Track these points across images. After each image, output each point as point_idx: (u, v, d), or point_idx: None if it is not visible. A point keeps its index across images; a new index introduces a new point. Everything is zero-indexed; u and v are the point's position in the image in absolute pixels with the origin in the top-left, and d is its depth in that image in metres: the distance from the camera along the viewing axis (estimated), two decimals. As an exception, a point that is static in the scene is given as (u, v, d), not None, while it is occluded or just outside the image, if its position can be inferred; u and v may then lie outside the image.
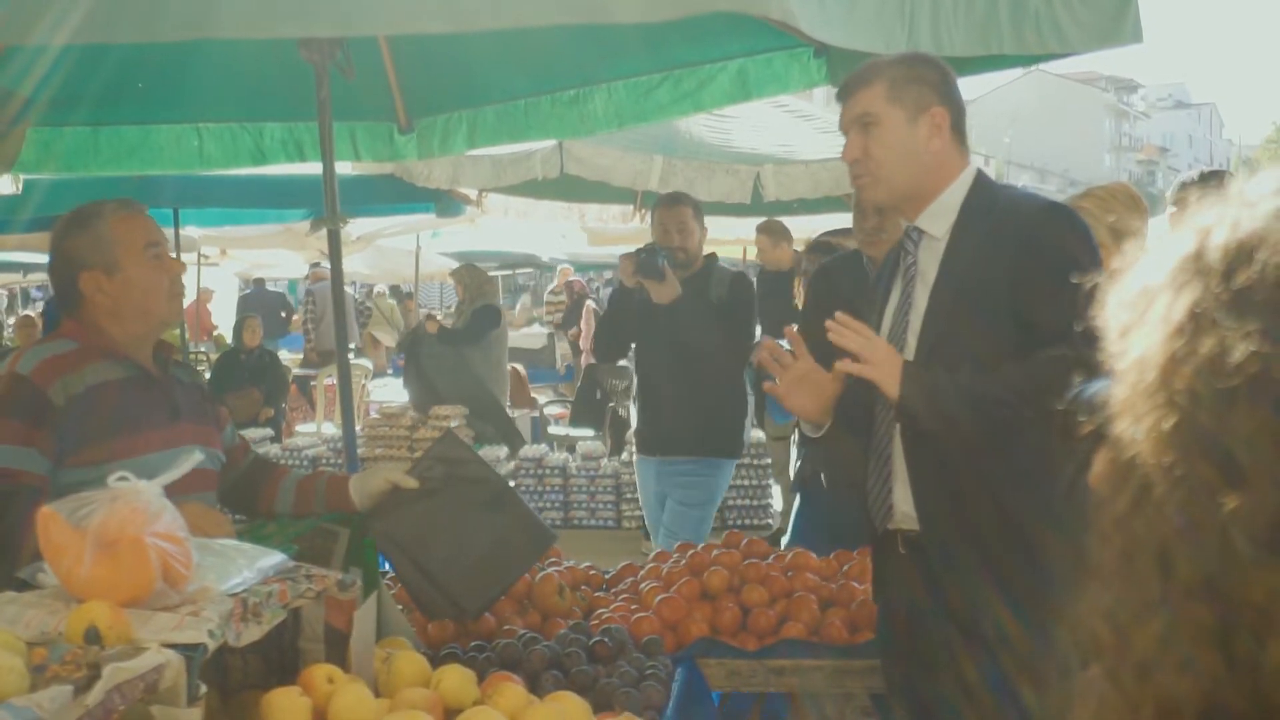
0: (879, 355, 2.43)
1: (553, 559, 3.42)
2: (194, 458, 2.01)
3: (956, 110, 2.62)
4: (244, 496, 2.81)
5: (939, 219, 2.59)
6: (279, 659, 2.10)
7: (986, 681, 2.49)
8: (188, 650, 1.62)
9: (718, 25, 3.82)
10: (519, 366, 11.32)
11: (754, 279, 5.97)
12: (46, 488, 2.35)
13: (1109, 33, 3.32)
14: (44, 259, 12.37)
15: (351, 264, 15.51)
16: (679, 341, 4.69)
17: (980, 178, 2.64)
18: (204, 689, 1.63)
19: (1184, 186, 4.13)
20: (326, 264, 14.95)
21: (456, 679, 2.13)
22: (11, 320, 24.17)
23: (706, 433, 4.83)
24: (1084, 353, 2.34)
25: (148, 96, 4.84)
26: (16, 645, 1.52)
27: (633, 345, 5.24)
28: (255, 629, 1.84)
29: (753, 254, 9.72)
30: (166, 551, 1.72)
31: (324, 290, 14.27)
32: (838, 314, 2.49)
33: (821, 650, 2.93)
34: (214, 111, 5.08)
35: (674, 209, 4.90)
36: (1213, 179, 4.13)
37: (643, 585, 3.23)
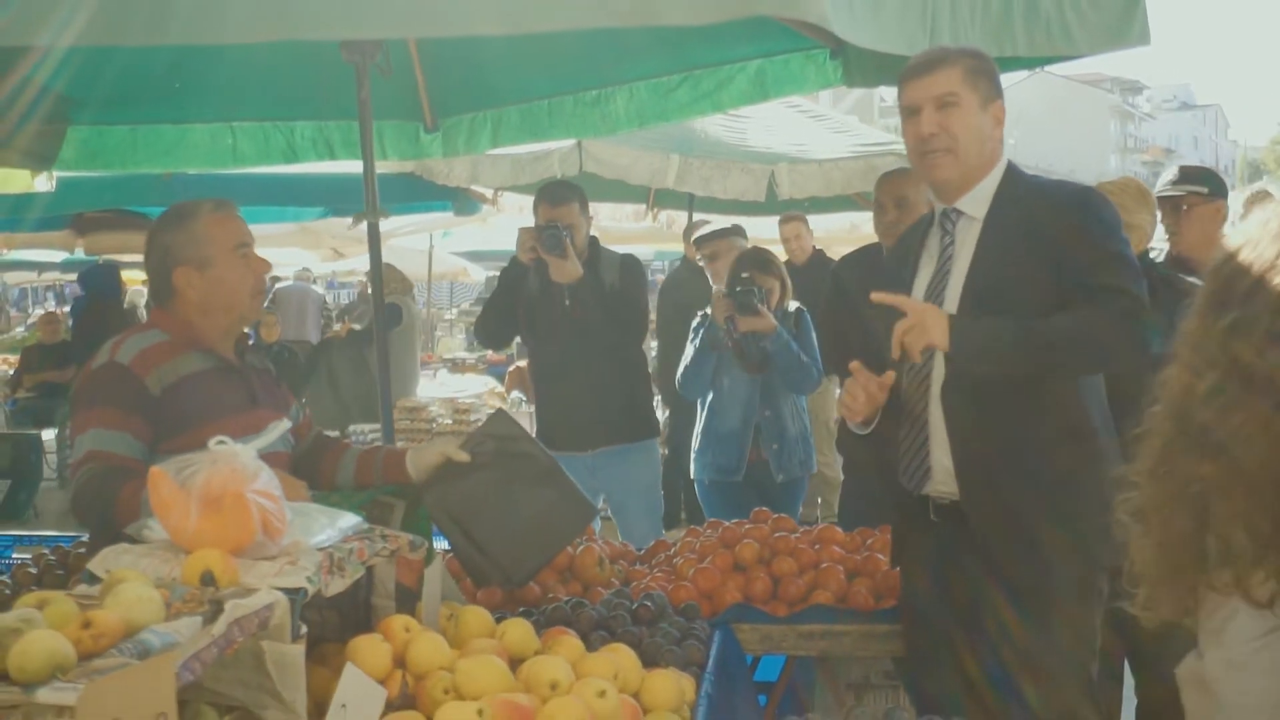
0: (928, 319, 2.58)
1: (585, 536, 3.58)
2: (284, 424, 2.20)
3: (1004, 107, 2.82)
4: (307, 469, 2.97)
5: (979, 202, 2.79)
6: (353, 614, 2.27)
7: (1015, 619, 2.67)
8: (290, 594, 1.79)
9: (736, 27, 3.93)
10: (534, 363, 11.48)
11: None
12: (139, 469, 2.51)
13: (1117, 35, 3.46)
14: (57, 257, 12.36)
15: (364, 263, 15.66)
16: (579, 326, 4.55)
17: (1012, 166, 2.85)
18: (304, 628, 1.80)
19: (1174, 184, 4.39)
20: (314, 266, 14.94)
21: (519, 631, 2.31)
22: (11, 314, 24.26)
23: (631, 415, 4.77)
24: (1131, 303, 2.62)
25: (184, 96, 4.97)
26: (149, 583, 1.70)
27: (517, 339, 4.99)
28: (340, 582, 2.01)
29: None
30: (265, 507, 1.90)
31: (283, 290, 14.43)
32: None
33: (848, 616, 3.10)
34: (247, 111, 5.22)
35: (559, 207, 4.63)
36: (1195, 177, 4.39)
37: (676, 559, 3.41)
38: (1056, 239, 2.65)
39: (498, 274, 5.38)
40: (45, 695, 1.37)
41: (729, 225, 6.03)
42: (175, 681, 1.40)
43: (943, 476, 2.78)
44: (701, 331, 4.91)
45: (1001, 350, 2.59)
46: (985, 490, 2.72)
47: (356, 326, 9.95)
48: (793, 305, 5.00)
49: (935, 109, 2.74)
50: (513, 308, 4.80)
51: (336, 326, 9.65)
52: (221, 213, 2.82)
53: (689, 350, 4.95)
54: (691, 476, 5.11)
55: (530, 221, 4.82)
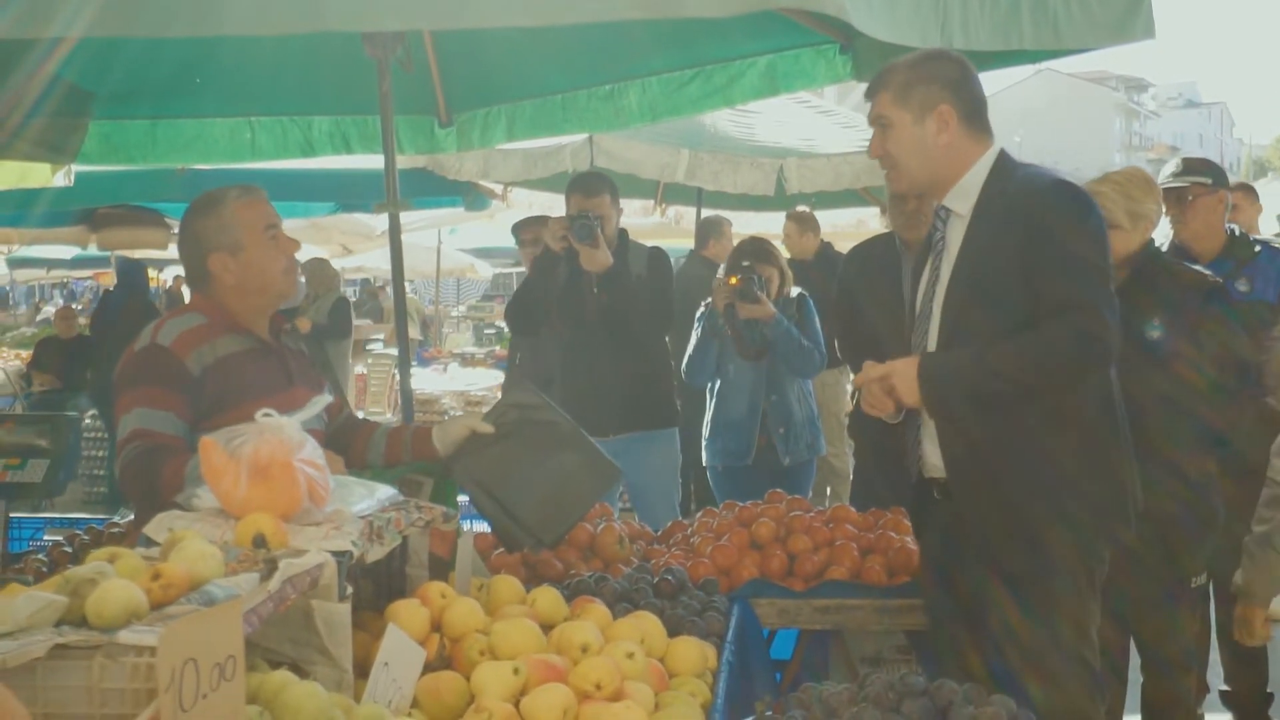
0: (900, 381, 2.72)
1: (603, 515, 3.66)
2: (324, 399, 2.29)
3: (968, 102, 2.83)
4: (339, 448, 3.05)
5: (963, 198, 2.83)
6: (388, 583, 2.37)
7: (1017, 615, 2.76)
8: (337, 556, 1.88)
9: (747, 22, 4.00)
10: (542, 357, 11.59)
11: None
12: (181, 446, 2.61)
13: (1121, 29, 3.52)
14: (68, 253, 12.33)
15: (373, 259, 15.79)
16: (608, 314, 4.67)
17: (1002, 159, 2.85)
18: (350, 589, 1.89)
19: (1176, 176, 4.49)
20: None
21: (550, 599, 2.40)
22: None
23: (653, 404, 4.88)
24: (1090, 320, 2.74)
25: (203, 91, 5.04)
26: (207, 541, 1.79)
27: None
28: (379, 549, 2.10)
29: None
30: (311, 476, 1.99)
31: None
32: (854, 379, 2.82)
33: (863, 591, 3.20)
34: (265, 106, 5.29)
35: (592, 198, 4.73)
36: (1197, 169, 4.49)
37: (694, 538, 3.50)
38: (1029, 235, 2.68)
39: (505, 271, 5.42)
40: (127, 637, 1.46)
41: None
42: (242, 626, 1.49)
43: (931, 462, 2.87)
44: (705, 320, 5.03)
45: (963, 388, 2.71)
46: (971, 477, 2.79)
47: (320, 322, 9.89)
48: (794, 291, 5.13)
49: (878, 132, 2.88)
50: (543, 295, 4.91)
51: (288, 326, 9.57)
52: (249, 197, 2.91)
53: (693, 338, 5.07)
54: (703, 463, 5.23)
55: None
